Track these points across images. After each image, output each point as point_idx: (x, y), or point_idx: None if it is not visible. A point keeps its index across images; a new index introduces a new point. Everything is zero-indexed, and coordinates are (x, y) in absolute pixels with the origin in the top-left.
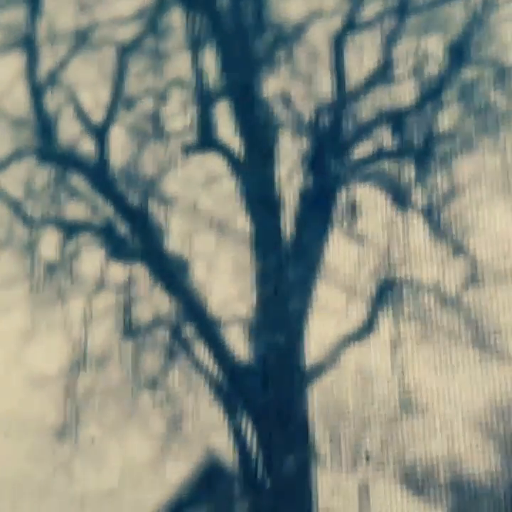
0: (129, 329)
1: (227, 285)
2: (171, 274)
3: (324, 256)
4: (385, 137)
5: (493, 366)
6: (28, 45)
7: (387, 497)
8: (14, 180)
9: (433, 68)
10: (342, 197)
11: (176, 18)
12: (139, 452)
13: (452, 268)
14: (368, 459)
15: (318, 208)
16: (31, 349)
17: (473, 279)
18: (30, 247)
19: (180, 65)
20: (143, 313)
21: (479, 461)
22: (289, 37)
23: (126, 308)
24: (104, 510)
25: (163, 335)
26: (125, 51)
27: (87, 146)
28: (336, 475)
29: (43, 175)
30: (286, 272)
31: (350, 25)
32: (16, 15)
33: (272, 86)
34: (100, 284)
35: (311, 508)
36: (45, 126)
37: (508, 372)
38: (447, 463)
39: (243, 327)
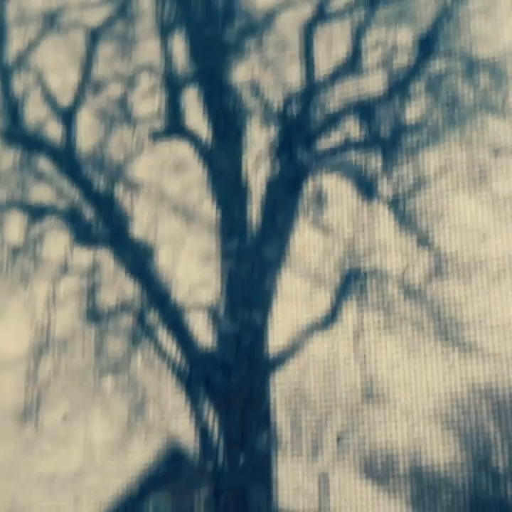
0: (93, 314)
1: (193, 271)
2: (136, 259)
3: (290, 244)
4: (353, 128)
5: (456, 357)
6: None
7: (347, 484)
8: None
9: (402, 60)
10: (309, 186)
11: (145, 3)
12: (101, 436)
13: (417, 259)
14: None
15: (285, 196)
16: None
17: (437, 270)
18: None
19: (149, 50)
20: (107, 298)
21: (439, 452)
22: (258, 25)
23: (91, 292)
24: (66, 493)
25: (127, 320)
26: (94, 35)
27: (54, 130)
28: (297, 462)
29: (9, 157)
30: (251, 260)
31: (320, 15)
32: None
33: (240, 73)
34: (64, 269)
35: (272, 494)
36: (11, 109)
37: (470, 364)
38: (407, 452)
39: (207, 313)
